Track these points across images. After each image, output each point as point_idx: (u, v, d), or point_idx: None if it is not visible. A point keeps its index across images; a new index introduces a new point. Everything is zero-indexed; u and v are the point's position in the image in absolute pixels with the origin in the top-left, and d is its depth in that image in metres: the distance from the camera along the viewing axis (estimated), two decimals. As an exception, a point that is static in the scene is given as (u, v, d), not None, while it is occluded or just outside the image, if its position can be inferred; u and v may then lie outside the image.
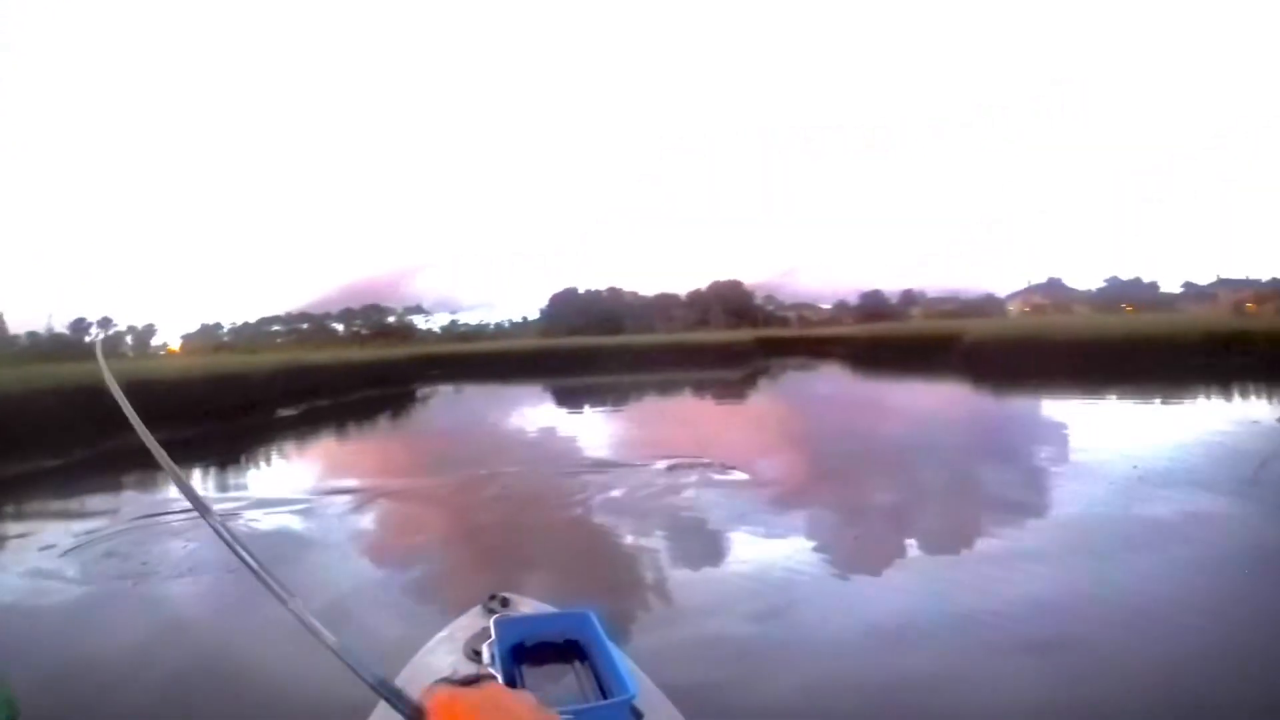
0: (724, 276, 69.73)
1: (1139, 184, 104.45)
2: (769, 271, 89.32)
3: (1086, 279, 72.36)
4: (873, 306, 68.97)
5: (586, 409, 25.61)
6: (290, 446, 19.32)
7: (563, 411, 26.03)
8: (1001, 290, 73.69)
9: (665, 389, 30.92)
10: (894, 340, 41.35)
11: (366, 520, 10.20)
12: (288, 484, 13.16)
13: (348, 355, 34.50)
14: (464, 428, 22.74)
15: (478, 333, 71.41)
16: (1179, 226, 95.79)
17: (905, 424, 18.39)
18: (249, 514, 10.34)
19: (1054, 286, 72.49)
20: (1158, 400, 21.40)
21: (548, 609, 3.60)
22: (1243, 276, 66.80)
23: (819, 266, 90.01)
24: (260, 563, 1.05)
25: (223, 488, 13.07)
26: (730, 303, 65.46)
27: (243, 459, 16.62)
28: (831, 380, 35.44)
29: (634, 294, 68.79)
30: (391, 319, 74.97)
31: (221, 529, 1.12)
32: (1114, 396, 22.37)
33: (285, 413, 24.42)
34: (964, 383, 27.78)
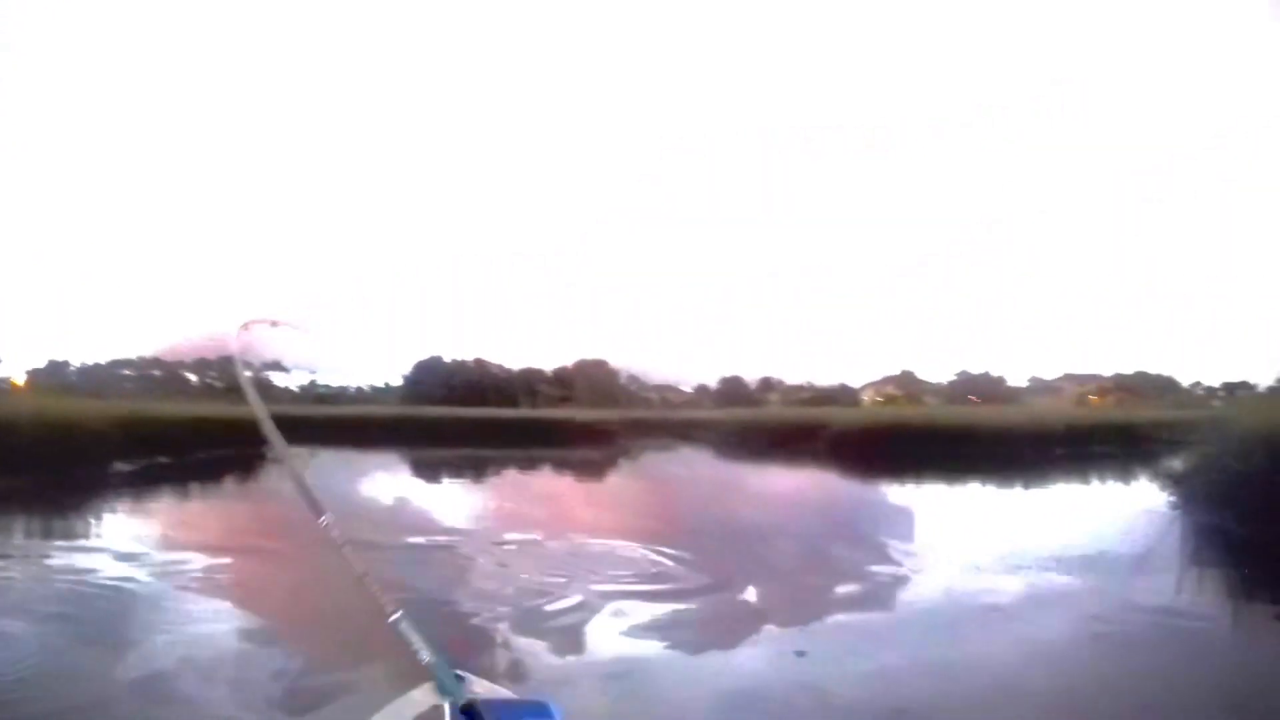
0: (590, 355, 69.52)
1: (987, 282, 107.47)
2: (634, 351, 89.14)
3: (937, 372, 73.64)
4: (732, 391, 69.36)
5: (445, 481, 24.81)
6: (121, 505, 17.96)
7: (420, 482, 25.12)
8: (855, 380, 74.95)
9: (527, 465, 30.15)
10: (759, 426, 41.41)
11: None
12: (107, 545, 11.98)
13: (197, 409, 32.53)
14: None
15: (337, 395, 69.20)
16: (1023, 325, 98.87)
17: (766, 507, 18.35)
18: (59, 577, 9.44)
19: (906, 378, 73.94)
20: (1019, 487, 22.43)
21: (503, 693, 2.75)
22: (1087, 371, 69.36)
23: (682, 349, 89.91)
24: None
25: (25, 553, 11.67)
26: (595, 381, 64.90)
27: (64, 516, 15.32)
28: (696, 463, 35.06)
29: (500, 366, 67.84)
30: (248, 374, 71.85)
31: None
32: (978, 483, 23.16)
33: (122, 468, 22.63)
34: (829, 469, 27.97)
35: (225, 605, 8.50)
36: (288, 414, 42.50)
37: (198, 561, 10.50)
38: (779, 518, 16.35)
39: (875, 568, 10.51)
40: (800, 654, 6.55)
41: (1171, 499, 15.65)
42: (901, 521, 15.46)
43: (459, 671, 2.77)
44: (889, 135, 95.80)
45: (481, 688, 2.82)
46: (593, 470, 29.71)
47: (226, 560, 10.90)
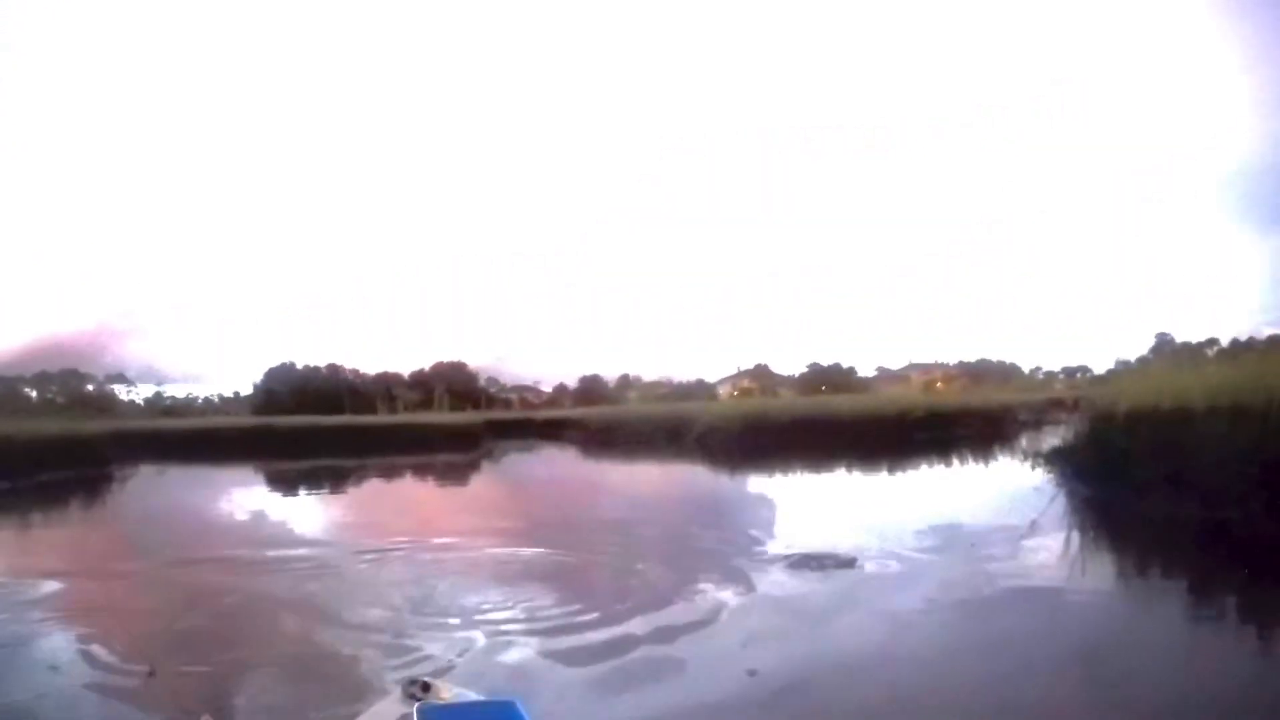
0: (448, 357, 68.01)
1: (839, 275, 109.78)
2: (491, 353, 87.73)
3: (790, 364, 74.61)
4: (591, 390, 68.89)
5: (302, 493, 23.37)
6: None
7: (276, 495, 23.55)
8: (712, 376, 75.32)
9: (388, 472, 28.91)
10: (624, 422, 40.73)
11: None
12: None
13: (38, 427, 29.85)
14: (165, 513, 19.67)
15: (185, 407, 65.89)
16: (872, 315, 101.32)
17: (636, 502, 18.09)
18: None
19: (761, 372, 74.65)
20: (884, 471, 22.63)
21: (470, 695, 3.57)
22: (932, 360, 71.29)
23: (539, 349, 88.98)
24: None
25: None
26: (454, 384, 63.42)
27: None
28: (563, 463, 34.24)
29: (355, 372, 65.72)
30: (90, 387, 67.46)
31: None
32: (843, 469, 23.38)
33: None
34: (697, 463, 27.56)
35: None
36: (133, 430, 40.25)
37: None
38: (643, 513, 16.04)
39: (735, 557, 10.44)
40: (752, 673, 5.96)
41: (1050, 475, 15.50)
42: (763, 509, 15.57)
43: (425, 679, 3.36)
44: (771, 137, 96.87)
45: (448, 693, 3.40)
46: (455, 474, 28.70)
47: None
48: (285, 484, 25.73)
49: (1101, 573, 9.54)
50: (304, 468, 30.23)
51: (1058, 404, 38.44)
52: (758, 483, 21.60)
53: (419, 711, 3.14)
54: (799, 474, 23.31)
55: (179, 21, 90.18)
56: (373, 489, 25.16)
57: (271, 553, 11.86)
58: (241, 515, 18.07)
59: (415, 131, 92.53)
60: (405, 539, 12.70)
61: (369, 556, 11.28)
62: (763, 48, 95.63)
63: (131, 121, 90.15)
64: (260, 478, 28.52)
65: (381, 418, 47.99)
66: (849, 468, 23.46)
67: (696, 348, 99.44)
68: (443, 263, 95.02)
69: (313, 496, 22.36)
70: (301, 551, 12.05)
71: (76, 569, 11.39)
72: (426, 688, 3.65)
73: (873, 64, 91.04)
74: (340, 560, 11.07)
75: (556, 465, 33.47)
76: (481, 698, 3.79)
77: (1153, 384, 13.78)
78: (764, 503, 17.16)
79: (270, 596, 9.10)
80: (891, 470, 22.74)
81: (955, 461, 24.79)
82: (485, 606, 8.22)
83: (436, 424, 42.60)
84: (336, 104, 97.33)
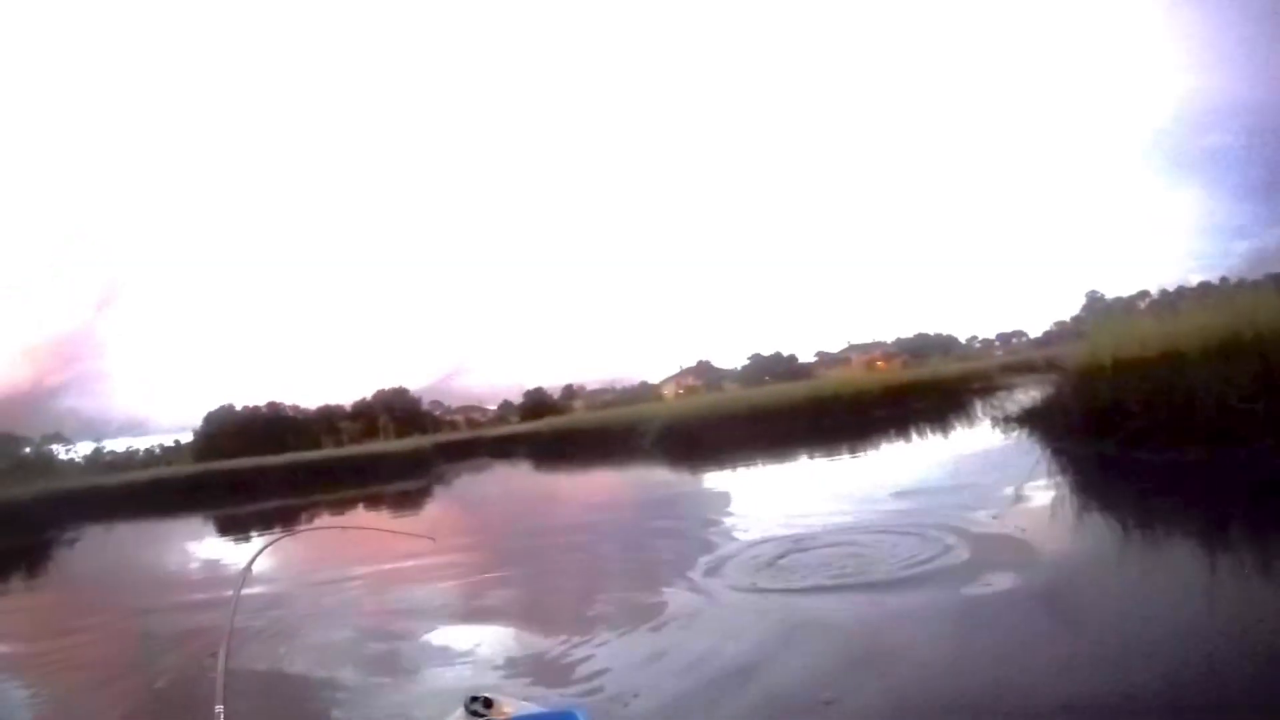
0: (388, 384, 66.62)
1: (770, 264, 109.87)
2: (432, 375, 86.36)
3: (732, 357, 74.42)
4: (537, 403, 67.87)
5: (254, 536, 22.29)
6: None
7: (228, 541, 22.46)
8: (654, 376, 74.77)
9: (339, 506, 27.81)
10: (576, 431, 39.97)
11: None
12: None
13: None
14: (113, 572, 18.76)
15: (126, 461, 63.55)
16: (808, 299, 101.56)
17: (590, 511, 17.53)
18: None
19: (704, 368, 74.19)
20: (846, 454, 21.82)
21: (532, 708, 3.54)
22: (870, 340, 71.49)
23: (481, 368, 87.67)
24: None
25: None
26: (398, 410, 62.18)
27: None
28: (517, 478, 33.49)
29: (295, 408, 64.09)
30: (28, 450, 64.55)
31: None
32: (805, 456, 22.42)
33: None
34: (656, 465, 26.75)
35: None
36: (76, 489, 38.60)
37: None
38: (602, 519, 15.74)
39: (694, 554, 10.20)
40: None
41: (1032, 435, 15.62)
42: (720, 504, 14.92)
43: (487, 695, 3.43)
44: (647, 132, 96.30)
45: (510, 706, 3.48)
46: (408, 501, 27.64)
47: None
48: (236, 528, 24.67)
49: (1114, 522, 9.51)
50: (254, 510, 28.99)
51: (1009, 368, 38.48)
52: (722, 478, 20.89)
53: None
54: (761, 466, 22.48)
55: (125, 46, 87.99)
56: (325, 524, 24.12)
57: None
58: (194, 565, 17.53)
59: (323, 152, 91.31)
60: (362, 576, 12.40)
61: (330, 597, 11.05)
62: (669, 42, 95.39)
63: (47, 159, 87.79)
64: (210, 525, 27.27)
65: (327, 452, 46.62)
66: (810, 454, 22.74)
67: (636, 350, 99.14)
68: (373, 287, 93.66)
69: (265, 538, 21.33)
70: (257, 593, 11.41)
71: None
72: (489, 704, 3.60)
73: (776, 36, 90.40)
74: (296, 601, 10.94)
75: (512, 482, 32.68)
76: (544, 710, 3.75)
77: (1136, 333, 13.41)
78: (729, 498, 16.17)
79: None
80: (854, 451, 22.09)
81: (920, 435, 24.28)
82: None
83: (384, 453, 41.58)
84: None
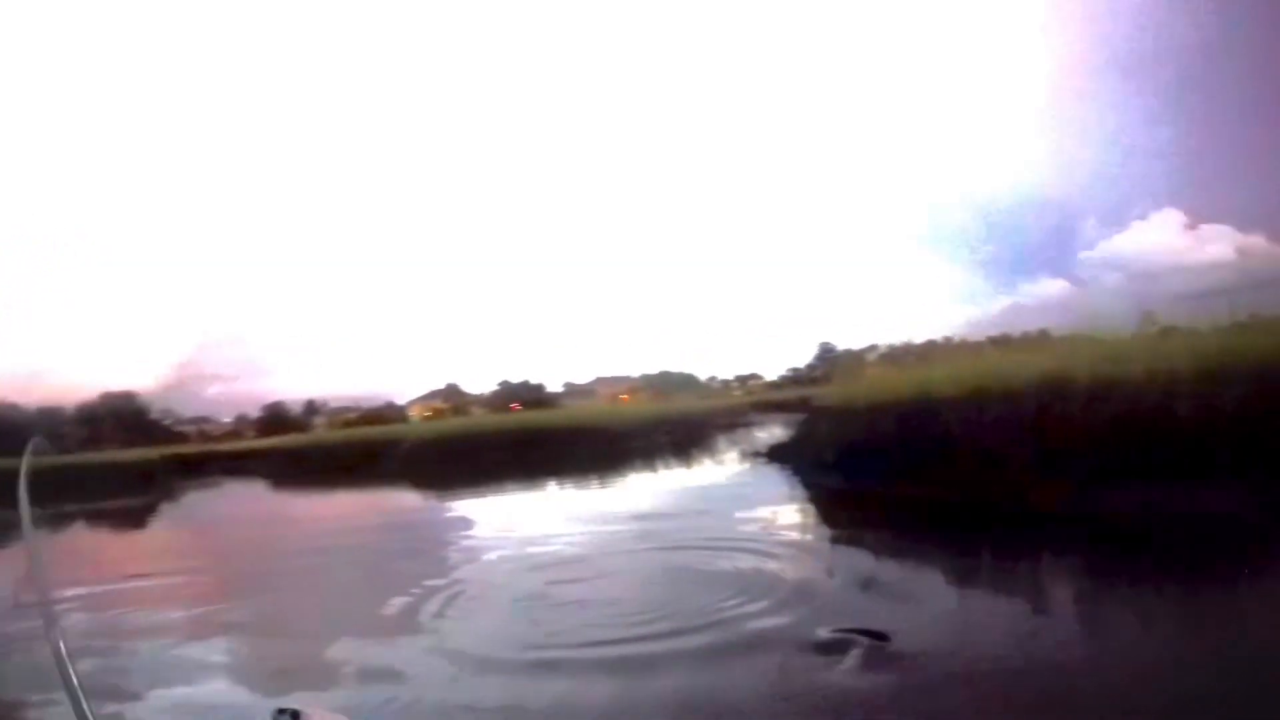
0: (116, 386, 61.69)
1: (520, 295, 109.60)
2: (162, 381, 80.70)
3: (480, 383, 73.54)
4: (275, 418, 64.65)
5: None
6: None
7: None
8: (401, 397, 73.05)
9: (54, 523, 24.92)
10: (317, 450, 38.19)
11: None
12: None
13: None
14: None
15: None
16: (557, 330, 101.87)
17: (333, 536, 16.34)
18: None
19: (452, 391, 73.09)
20: (596, 483, 21.78)
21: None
22: (617, 374, 72.37)
23: (216, 376, 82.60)
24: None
25: None
26: (125, 417, 57.70)
27: None
28: (251, 498, 31.21)
29: (12, 405, 58.25)
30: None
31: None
32: (554, 484, 22.40)
33: None
34: (404, 488, 25.74)
35: None
36: None
37: None
38: (336, 545, 14.61)
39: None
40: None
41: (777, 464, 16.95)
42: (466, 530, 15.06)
43: (294, 709, 2.77)
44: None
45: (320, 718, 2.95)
46: (132, 519, 25.50)
47: None
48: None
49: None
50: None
51: (749, 407, 39.78)
52: (472, 504, 20.04)
53: None
54: (511, 493, 21.91)
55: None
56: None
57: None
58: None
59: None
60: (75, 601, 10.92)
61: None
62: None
63: None
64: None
65: (42, 460, 42.35)
66: (560, 481, 22.52)
67: (382, 369, 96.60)
68: (105, 279, 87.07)
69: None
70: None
71: None
72: (296, 717, 2.83)
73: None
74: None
75: (246, 502, 30.45)
76: None
77: (889, 380, 14.17)
78: (476, 524, 16.10)
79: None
80: (604, 481, 21.96)
81: (676, 466, 24.50)
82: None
83: (107, 463, 37.90)
84: None
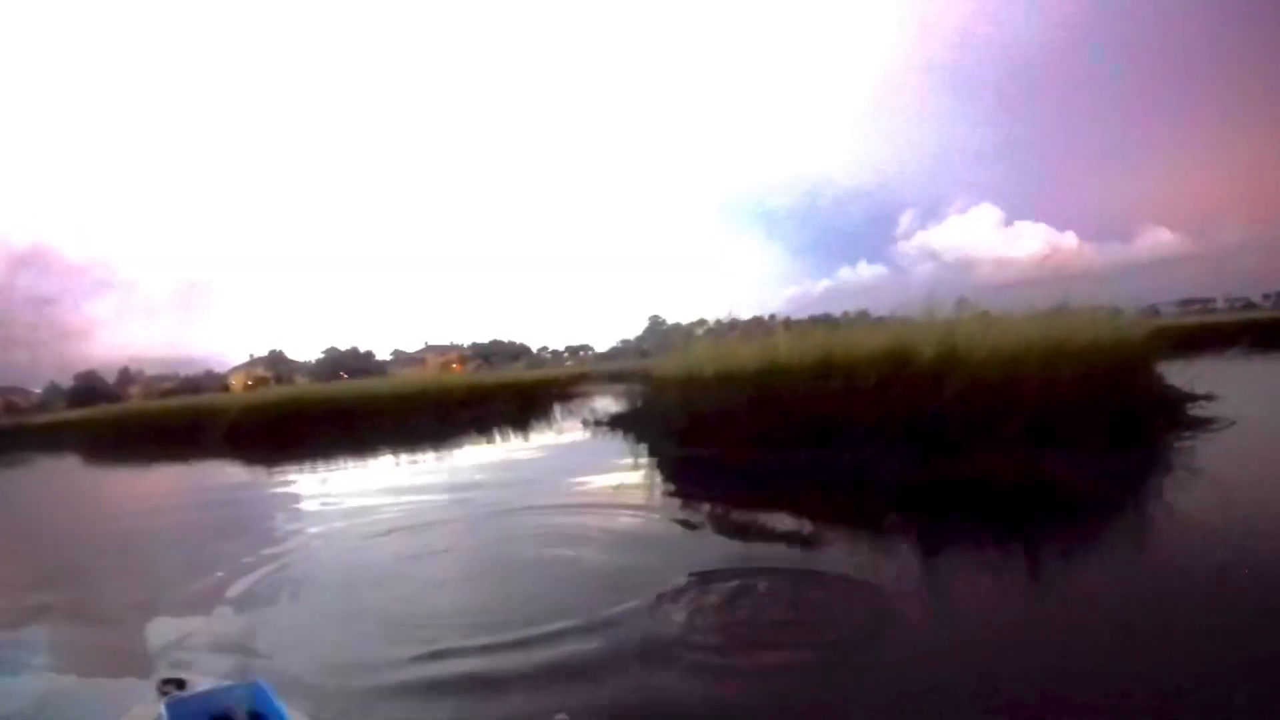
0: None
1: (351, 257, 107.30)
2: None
3: (306, 350, 71.59)
4: (88, 388, 61.10)
5: None
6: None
7: None
8: (221, 365, 70.42)
9: None
10: (134, 421, 36.08)
11: None
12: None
13: None
14: None
15: None
16: (387, 299, 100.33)
17: (153, 515, 15.08)
18: None
19: (276, 359, 70.75)
20: (430, 452, 21.37)
21: (224, 684, 3.53)
22: (447, 342, 71.70)
23: (26, 342, 77.39)
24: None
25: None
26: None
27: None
28: (63, 474, 29.18)
29: None
30: None
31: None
32: (388, 454, 21.70)
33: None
34: (228, 461, 24.40)
35: None
36: None
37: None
38: (158, 525, 13.75)
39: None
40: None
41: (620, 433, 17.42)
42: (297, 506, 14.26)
43: (180, 676, 3.52)
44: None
45: (203, 686, 3.58)
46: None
47: None
48: None
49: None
50: None
51: (583, 377, 39.85)
52: (302, 477, 18.83)
53: (167, 707, 3.10)
54: (344, 464, 20.99)
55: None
56: None
57: None
58: None
59: None
60: None
61: None
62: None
63: None
64: None
65: None
66: (394, 451, 21.84)
67: (200, 335, 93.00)
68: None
69: None
70: None
71: None
72: (181, 684, 3.56)
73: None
74: None
75: (55, 481, 28.05)
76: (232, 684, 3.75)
77: (736, 353, 14.67)
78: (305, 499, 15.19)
79: None
80: (438, 451, 21.44)
81: (504, 436, 24.14)
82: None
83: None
84: None
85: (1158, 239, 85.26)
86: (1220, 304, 74.56)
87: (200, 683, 3.65)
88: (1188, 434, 11.97)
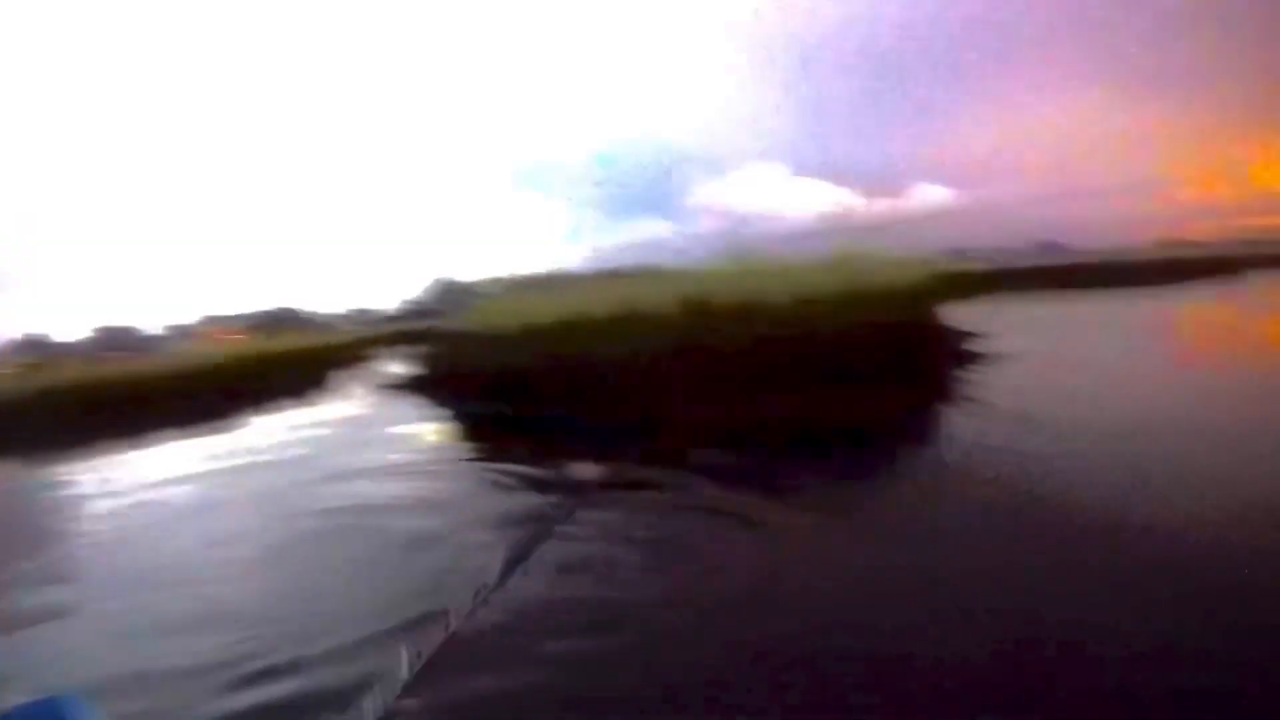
0: None
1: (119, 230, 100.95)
2: None
3: (70, 330, 67.06)
4: None
5: None
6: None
7: None
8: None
9: None
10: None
11: None
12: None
13: None
14: None
15: None
16: (154, 271, 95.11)
17: None
18: None
19: (35, 343, 65.65)
20: (211, 431, 19.51)
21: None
22: (228, 313, 68.77)
23: None
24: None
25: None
26: None
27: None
28: None
29: None
30: None
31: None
32: (165, 436, 19.65)
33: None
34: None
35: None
36: None
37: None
38: None
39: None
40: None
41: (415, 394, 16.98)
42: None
43: None
44: None
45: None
46: None
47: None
48: None
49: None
50: None
51: (378, 339, 38.84)
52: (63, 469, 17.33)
53: None
54: (116, 453, 19.20)
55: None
56: None
57: None
58: None
59: None
60: None
61: None
62: None
63: None
64: None
65: None
66: (173, 433, 20.24)
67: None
68: None
69: None
70: None
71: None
72: None
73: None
74: None
75: None
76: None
77: (539, 307, 14.69)
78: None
79: None
80: (220, 428, 19.93)
81: (293, 407, 22.85)
82: None
83: None
84: None
85: (929, 194, 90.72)
86: (988, 253, 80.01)
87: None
88: (968, 367, 12.87)
